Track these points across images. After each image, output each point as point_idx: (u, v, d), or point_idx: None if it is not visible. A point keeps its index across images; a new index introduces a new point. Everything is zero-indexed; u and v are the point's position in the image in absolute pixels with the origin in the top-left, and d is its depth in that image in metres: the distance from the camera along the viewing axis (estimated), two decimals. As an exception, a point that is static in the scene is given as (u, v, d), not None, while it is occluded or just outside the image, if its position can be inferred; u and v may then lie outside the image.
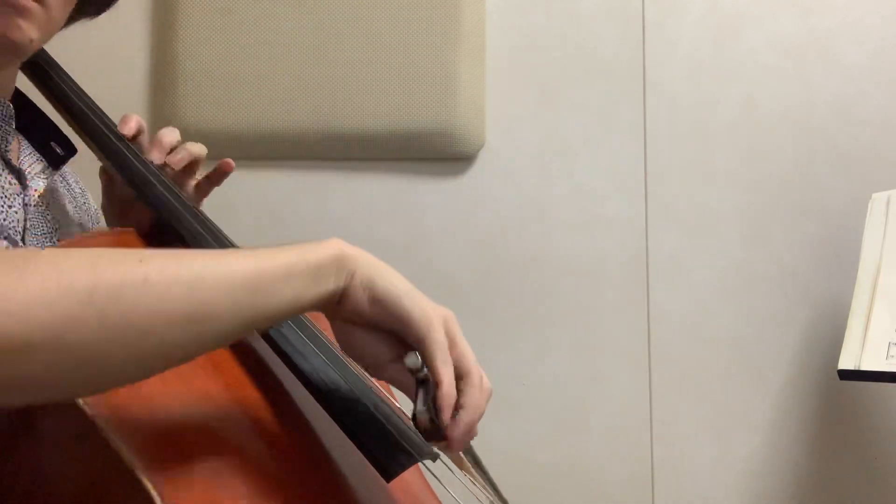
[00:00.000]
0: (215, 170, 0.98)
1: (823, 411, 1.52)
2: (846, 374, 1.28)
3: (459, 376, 0.69)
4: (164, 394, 0.63)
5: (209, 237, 0.81)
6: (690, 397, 1.53)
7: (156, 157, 0.91)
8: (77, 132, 0.93)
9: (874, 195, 1.41)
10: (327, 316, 0.71)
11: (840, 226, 1.51)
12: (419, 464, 0.79)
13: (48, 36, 0.84)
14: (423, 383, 0.68)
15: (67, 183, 1.02)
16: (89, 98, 0.95)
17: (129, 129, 0.91)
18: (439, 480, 0.84)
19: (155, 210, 0.83)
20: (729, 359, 1.53)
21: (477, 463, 0.81)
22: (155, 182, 0.86)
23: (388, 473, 0.71)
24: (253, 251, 0.63)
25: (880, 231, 1.38)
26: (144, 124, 0.95)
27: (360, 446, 0.72)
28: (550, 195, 1.56)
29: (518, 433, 1.52)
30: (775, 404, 1.52)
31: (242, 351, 0.74)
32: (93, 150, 0.92)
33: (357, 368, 0.76)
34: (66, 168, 1.03)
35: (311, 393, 0.73)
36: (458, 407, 0.68)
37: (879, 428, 1.51)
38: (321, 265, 0.66)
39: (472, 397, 0.69)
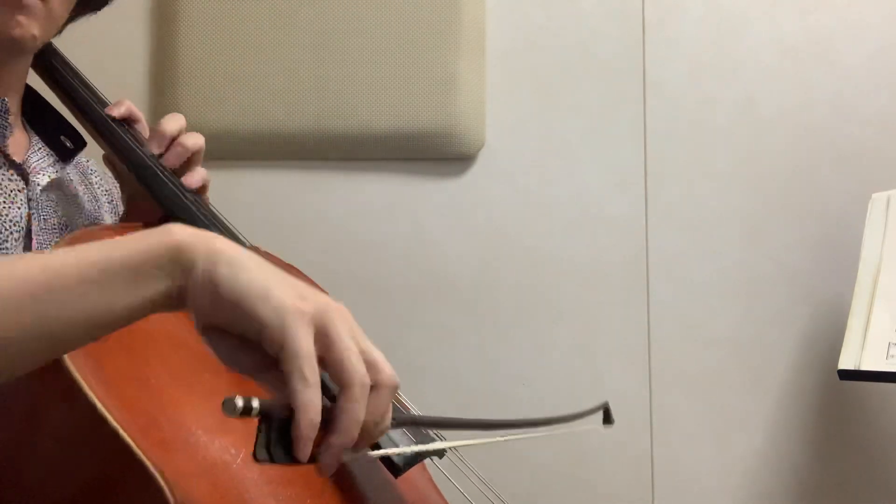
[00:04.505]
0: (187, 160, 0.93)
1: (823, 411, 1.52)
2: (846, 374, 1.28)
3: (338, 385, 0.56)
4: (172, 389, 0.63)
5: (218, 233, 0.81)
6: (690, 397, 1.53)
7: (154, 147, 0.90)
8: (82, 124, 0.93)
9: (874, 195, 1.41)
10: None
11: (840, 226, 1.51)
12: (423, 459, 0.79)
13: (50, 32, 0.84)
14: (267, 416, 0.53)
15: (88, 179, 1.02)
16: (95, 90, 0.95)
17: (118, 112, 0.91)
18: (448, 476, 0.83)
19: (164, 206, 0.83)
20: (729, 359, 1.53)
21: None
22: (163, 176, 0.85)
23: (397, 469, 0.71)
24: (69, 250, 0.55)
25: (880, 231, 1.38)
26: (139, 113, 0.94)
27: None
28: (550, 195, 1.56)
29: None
30: (775, 404, 1.52)
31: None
32: (97, 141, 0.92)
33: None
34: (92, 165, 1.03)
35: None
36: (329, 430, 0.55)
37: (879, 428, 1.51)
38: (140, 262, 0.55)
39: (344, 418, 0.55)
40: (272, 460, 0.53)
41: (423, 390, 1.49)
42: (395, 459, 0.70)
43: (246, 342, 0.56)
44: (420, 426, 0.73)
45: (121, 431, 0.56)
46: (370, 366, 0.56)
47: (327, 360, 0.55)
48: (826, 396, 1.52)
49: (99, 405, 0.56)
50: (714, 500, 1.52)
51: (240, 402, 0.51)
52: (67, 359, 0.57)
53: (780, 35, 1.55)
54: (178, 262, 0.55)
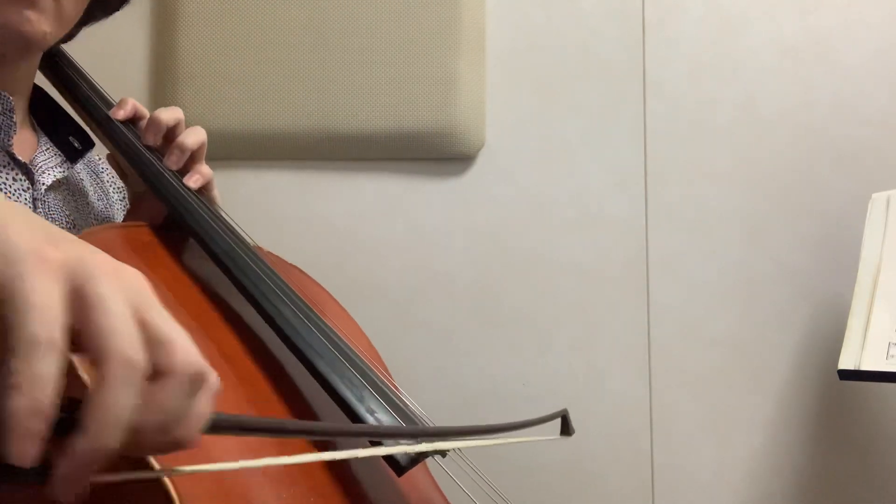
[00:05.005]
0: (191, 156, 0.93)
1: (823, 411, 1.52)
2: (846, 374, 1.28)
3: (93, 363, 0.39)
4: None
5: (222, 232, 0.81)
6: (690, 397, 1.53)
7: (150, 139, 0.90)
8: (86, 122, 0.93)
9: (874, 195, 1.41)
10: None
11: (840, 226, 1.52)
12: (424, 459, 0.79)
13: (62, 29, 0.84)
14: None
15: (99, 177, 1.02)
16: (99, 89, 0.95)
17: (122, 114, 0.91)
18: (451, 475, 0.83)
19: (169, 205, 0.83)
20: (729, 359, 1.53)
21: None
22: (167, 175, 0.85)
23: (400, 468, 0.71)
24: None
25: (880, 231, 1.38)
26: (144, 110, 0.94)
27: (372, 440, 0.71)
28: (550, 195, 1.56)
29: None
30: (775, 404, 1.52)
31: (265, 358, 0.74)
32: (101, 140, 0.92)
33: (367, 360, 0.75)
34: (103, 165, 1.02)
35: (322, 387, 0.73)
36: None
37: (879, 428, 1.51)
38: None
39: (99, 407, 0.38)
40: None
41: (423, 390, 1.49)
42: (398, 458, 0.70)
43: None
44: (259, 433, 0.55)
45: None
46: (156, 344, 0.41)
47: (83, 330, 0.39)
48: (826, 396, 1.52)
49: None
50: (714, 500, 1.52)
51: None
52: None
53: (780, 35, 1.55)
54: None
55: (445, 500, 0.90)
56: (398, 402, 0.75)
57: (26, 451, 0.35)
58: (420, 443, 0.66)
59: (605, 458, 1.52)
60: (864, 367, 1.26)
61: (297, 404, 0.72)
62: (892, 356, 1.24)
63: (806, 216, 1.53)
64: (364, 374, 0.74)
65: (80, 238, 0.70)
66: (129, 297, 0.40)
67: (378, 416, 0.72)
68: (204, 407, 0.43)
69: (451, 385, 1.52)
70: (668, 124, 1.55)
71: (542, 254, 1.55)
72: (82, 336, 0.39)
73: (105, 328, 0.39)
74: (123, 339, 0.39)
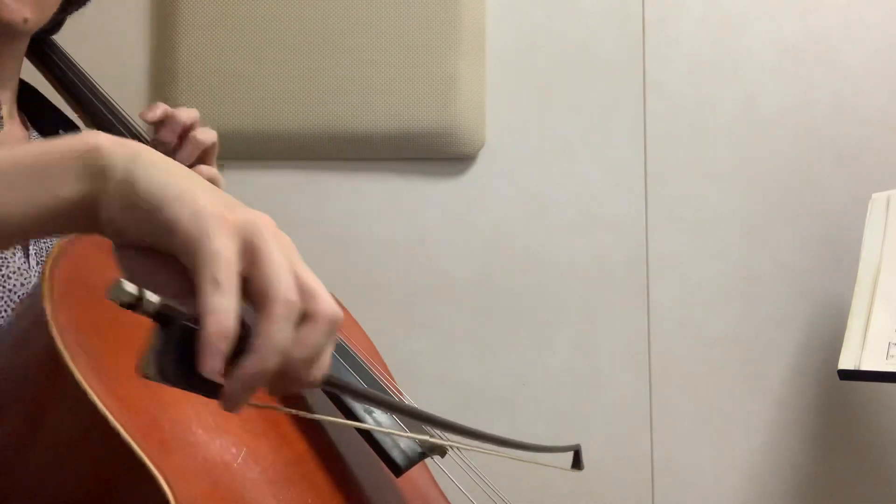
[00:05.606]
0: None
1: (823, 411, 1.52)
2: (846, 374, 1.28)
3: (257, 306, 0.48)
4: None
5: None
6: (690, 397, 1.53)
7: (168, 135, 0.90)
8: (80, 117, 0.93)
9: (874, 195, 1.41)
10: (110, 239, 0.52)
11: (840, 226, 1.52)
12: (425, 459, 0.79)
13: (42, 15, 0.83)
14: (166, 320, 0.45)
15: None
16: (94, 83, 0.95)
17: (152, 116, 0.91)
18: (448, 474, 0.83)
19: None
20: (729, 359, 1.53)
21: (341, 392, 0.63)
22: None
23: (398, 469, 0.71)
24: None
25: (880, 231, 1.38)
26: (172, 112, 0.94)
27: (370, 441, 0.71)
28: (550, 195, 1.56)
29: (518, 433, 1.51)
30: (775, 404, 1.52)
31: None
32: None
33: (365, 359, 0.75)
34: None
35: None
36: (245, 350, 0.46)
37: (879, 428, 1.51)
38: (49, 163, 0.49)
39: (266, 337, 0.46)
40: (163, 378, 0.44)
41: (423, 390, 1.49)
42: (396, 458, 0.70)
43: (166, 262, 0.49)
44: (367, 402, 0.63)
45: (122, 431, 0.55)
46: (305, 292, 0.49)
47: (251, 277, 0.48)
48: (826, 396, 1.52)
49: (100, 405, 0.56)
50: (714, 500, 1.52)
51: (131, 288, 0.42)
52: (69, 358, 0.57)
53: (780, 35, 1.55)
54: (92, 165, 0.49)
55: (445, 500, 0.90)
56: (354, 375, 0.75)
57: (213, 365, 0.45)
58: (433, 436, 0.67)
59: (605, 458, 1.52)
60: (864, 367, 1.26)
61: (295, 404, 0.72)
62: (892, 356, 1.24)
63: (806, 216, 1.53)
64: (362, 373, 0.74)
65: (71, 240, 0.71)
66: (286, 252, 0.50)
67: (375, 415, 0.72)
68: (329, 352, 0.51)
69: (452, 385, 1.52)
70: (668, 124, 1.55)
71: (542, 254, 1.55)
72: (252, 281, 0.48)
73: (272, 275, 0.47)
74: (286, 285, 0.48)
